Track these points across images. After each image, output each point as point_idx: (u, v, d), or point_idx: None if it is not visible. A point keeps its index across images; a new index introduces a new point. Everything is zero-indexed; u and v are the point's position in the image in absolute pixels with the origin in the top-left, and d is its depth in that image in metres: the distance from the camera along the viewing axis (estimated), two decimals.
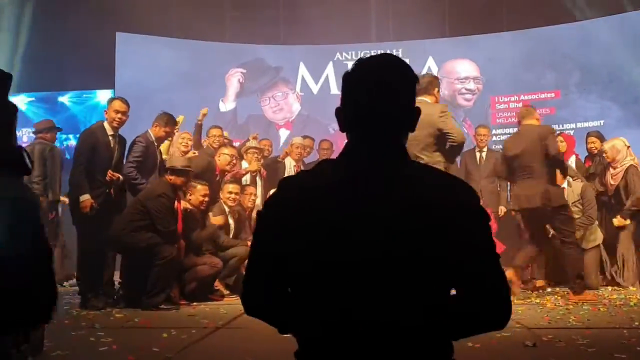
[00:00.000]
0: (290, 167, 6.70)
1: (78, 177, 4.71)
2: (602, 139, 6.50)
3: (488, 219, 1.30)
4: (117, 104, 4.92)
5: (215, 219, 5.33)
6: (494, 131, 9.40)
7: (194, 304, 4.93)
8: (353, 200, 1.27)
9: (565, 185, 5.95)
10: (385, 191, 1.28)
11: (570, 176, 5.90)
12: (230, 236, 5.58)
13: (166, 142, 5.82)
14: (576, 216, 5.84)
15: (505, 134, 9.38)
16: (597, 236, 5.84)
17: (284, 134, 9.88)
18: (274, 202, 1.35)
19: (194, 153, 5.88)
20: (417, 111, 1.41)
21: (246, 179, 6.30)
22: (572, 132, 9.03)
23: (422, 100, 4.27)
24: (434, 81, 4.75)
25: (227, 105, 9.93)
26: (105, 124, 4.91)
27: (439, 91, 4.85)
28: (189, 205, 5.12)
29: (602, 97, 8.99)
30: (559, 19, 9.41)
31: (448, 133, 4.30)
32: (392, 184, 1.29)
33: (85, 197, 4.62)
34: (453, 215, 1.26)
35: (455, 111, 9.51)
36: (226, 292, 5.30)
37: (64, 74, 9.91)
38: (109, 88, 9.92)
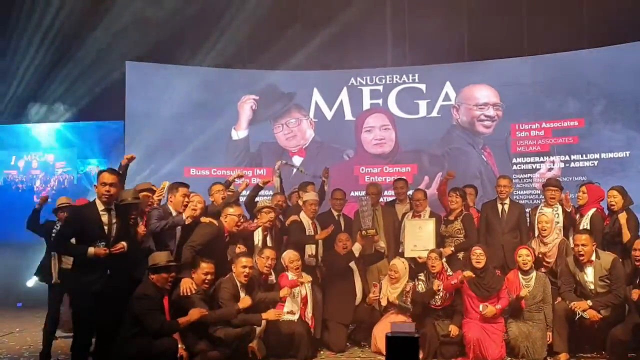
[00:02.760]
0: (308, 227, 6.48)
1: (65, 247, 4.70)
2: (624, 194, 6.13)
3: None
4: (105, 176, 4.56)
5: (243, 301, 5.17)
6: (514, 160, 9.16)
7: None
8: None
9: (593, 257, 5.68)
10: None
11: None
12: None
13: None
14: (602, 290, 5.60)
15: (525, 162, 9.12)
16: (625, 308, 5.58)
17: (297, 161, 9.67)
18: None
19: (193, 210, 5.65)
20: None
21: (258, 238, 6.08)
22: (596, 163, 8.75)
23: None
24: None
25: (239, 133, 9.74)
26: (97, 200, 4.59)
27: None
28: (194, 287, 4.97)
29: (627, 126, 8.63)
30: (582, 44, 9.03)
31: None
32: None
33: (91, 249, 4.39)
34: None
35: (474, 138, 9.28)
36: None
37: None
38: (120, 119, 9.80)
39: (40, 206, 6.16)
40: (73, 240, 4.60)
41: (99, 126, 10.93)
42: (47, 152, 11.41)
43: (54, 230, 5.70)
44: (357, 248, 6.16)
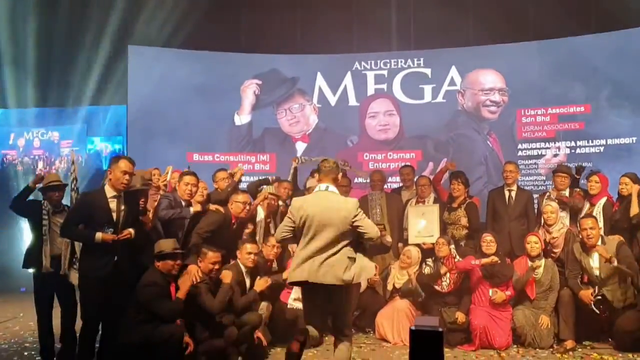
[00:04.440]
0: None
1: (72, 231, 4.52)
2: (636, 181, 6.09)
3: None
4: (125, 164, 4.47)
5: (259, 283, 5.23)
6: (519, 145, 9.09)
7: None
8: None
9: (599, 242, 5.66)
10: None
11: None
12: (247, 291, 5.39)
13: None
14: (607, 275, 5.57)
15: (531, 148, 9.06)
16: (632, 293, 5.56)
17: (300, 147, 9.62)
18: None
19: (201, 196, 5.60)
20: None
21: (261, 225, 6.05)
22: (602, 149, 8.69)
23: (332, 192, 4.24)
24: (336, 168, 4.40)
25: (242, 118, 9.66)
26: (107, 187, 4.50)
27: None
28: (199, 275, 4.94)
29: (634, 112, 8.56)
30: (589, 29, 8.93)
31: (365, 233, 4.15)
32: None
33: (98, 235, 4.33)
34: None
35: (479, 124, 9.20)
36: (239, 358, 5.13)
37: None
38: (122, 103, 9.73)
39: (33, 185, 5.38)
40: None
41: (105, 110, 10.67)
42: (50, 130, 10.83)
43: (44, 213, 5.17)
44: None
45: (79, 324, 5.06)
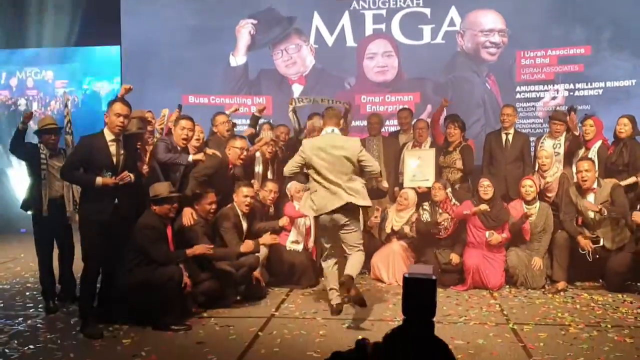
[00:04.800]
0: None
1: (73, 174, 4.53)
2: (634, 123, 6.08)
3: None
4: (119, 107, 4.49)
5: (245, 245, 5.22)
6: (518, 88, 9.01)
7: (205, 315, 4.91)
8: None
9: (595, 185, 5.70)
10: None
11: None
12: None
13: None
14: (602, 218, 5.64)
15: (529, 91, 8.98)
16: (625, 235, 5.65)
17: (297, 89, 9.51)
18: None
19: (197, 141, 5.58)
20: None
21: (259, 170, 6.07)
22: (600, 92, 8.63)
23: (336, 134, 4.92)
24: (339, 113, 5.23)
25: (237, 59, 9.51)
26: (105, 130, 4.52)
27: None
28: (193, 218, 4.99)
29: (634, 54, 8.46)
30: None
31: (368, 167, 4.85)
32: None
33: (99, 179, 4.36)
34: None
35: (478, 66, 9.09)
36: (237, 298, 5.25)
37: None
38: (115, 44, 9.55)
39: (24, 125, 5.26)
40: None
41: (101, 50, 10.42)
42: (44, 69, 10.53)
43: (42, 157, 5.16)
44: None
45: (77, 266, 5.18)
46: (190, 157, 5.31)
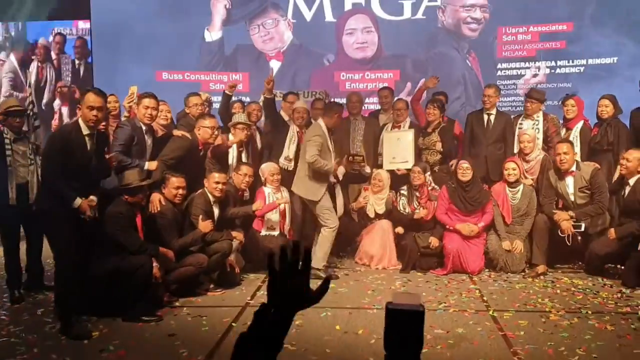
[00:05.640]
0: (293, 134, 6.21)
1: (57, 184, 4.14)
2: (615, 103, 5.99)
3: None
4: (92, 98, 4.13)
5: (203, 225, 4.99)
6: (499, 65, 8.86)
7: (177, 304, 4.74)
8: None
9: (574, 168, 5.60)
10: None
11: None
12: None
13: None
14: (582, 202, 5.56)
15: (510, 68, 8.83)
16: (605, 219, 5.58)
17: (275, 65, 9.24)
18: None
19: (165, 120, 5.33)
20: None
21: (233, 154, 5.86)
22: (582, 69, 8.52)
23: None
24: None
25: (212, 34, 9.21)
26: (81, 121, 4.21)
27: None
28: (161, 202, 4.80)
29: (617, 31, 8.33)
30: None
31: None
32: None
33: (79, 201, 4.10)
34: None
35: (459, 42, 8.91)
36: (211, 285, 5.10)
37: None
38: (85, 18, 9.17)
39: None
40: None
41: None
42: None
43: (6, 142, 4.87)
44: (341, 172, 6.00)
45: (47, 251, 4.97)
46: (146, 165, 5.01)
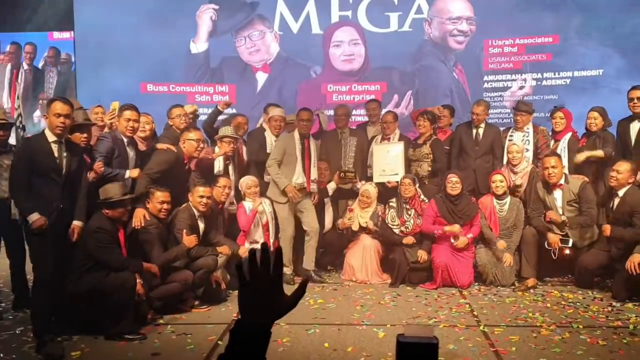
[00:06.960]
0: (271, 143, 6.15)
1: (17, 197, 4.13)
2: (605, 115, 5.99)
3: None
4: (58, 107, 4.11)
5: (187, 239, 4.88)
6: (485, 77, 8.86)
7: (162, 322, 4.62)
8: None
9: (562, 181, 5.58)
10: None
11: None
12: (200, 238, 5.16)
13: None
14: (570, 215, 5.53)
15: (497, 80, 8.85)
16: (594, 233, 5.55)
17: (261, 77, 9.19)
18: None
19: (145, 132, 5.24)
20: None
21: (219, 165, 5.77)
22: (568, 81, 8.54)
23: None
24: None
25: (198, 46, 9.12)
26: (47, 131, 4.17)
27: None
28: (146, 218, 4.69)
29: (603, 43, 8.38)
30: None
31: None
32: None
33: (33, 217, 4.01)
34: None
35: (446, 55, 8.91)
36: (195, 302, 4.98)
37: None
38: (68, 29, 9.06)
39: None
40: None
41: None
42: None
43: None
44: (331, 187, 5.91)
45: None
46: (127, 173, 4.91)
